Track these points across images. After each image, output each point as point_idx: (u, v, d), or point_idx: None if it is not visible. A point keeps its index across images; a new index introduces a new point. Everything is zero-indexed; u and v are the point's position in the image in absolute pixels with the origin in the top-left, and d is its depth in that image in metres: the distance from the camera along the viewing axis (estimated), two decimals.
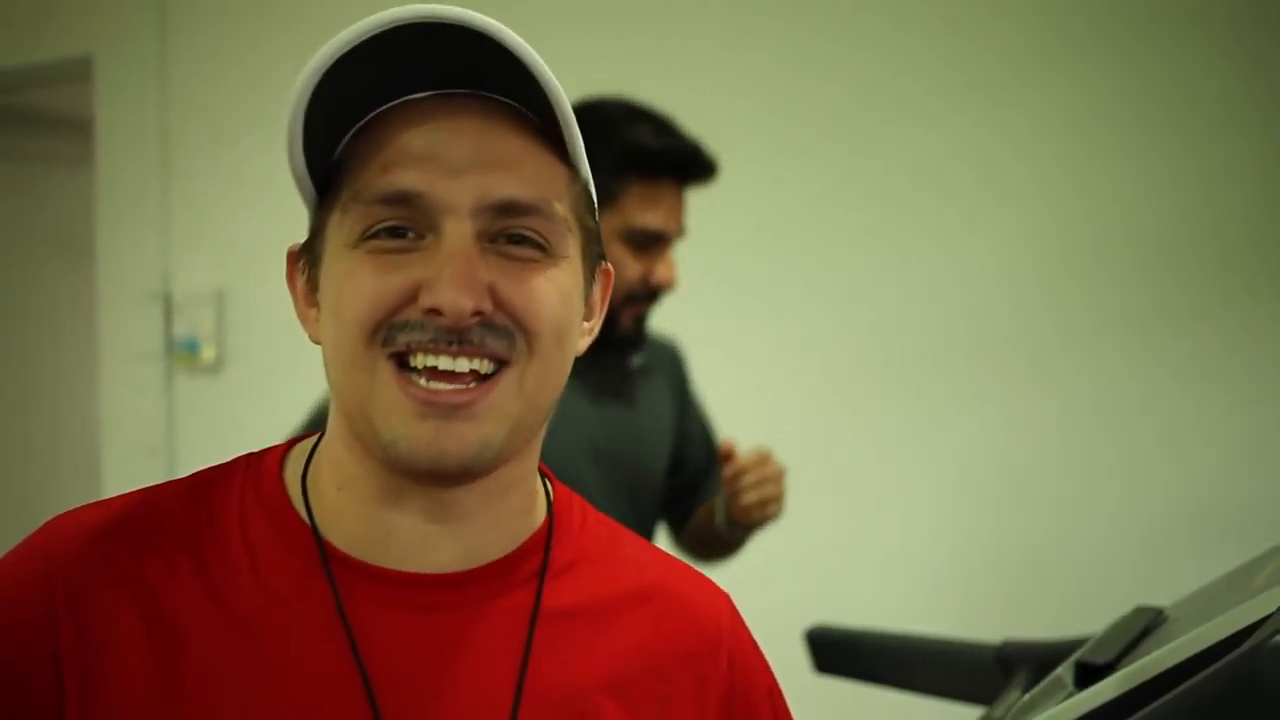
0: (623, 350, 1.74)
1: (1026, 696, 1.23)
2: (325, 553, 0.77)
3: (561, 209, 0.77)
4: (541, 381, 0.77)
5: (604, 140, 1.61)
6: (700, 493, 1.92)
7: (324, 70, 0.74)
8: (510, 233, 0.75)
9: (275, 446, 0.85)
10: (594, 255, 0.83)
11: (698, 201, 2.72)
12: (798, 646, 1.88)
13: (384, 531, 0.78)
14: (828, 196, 2.61)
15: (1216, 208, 2.29)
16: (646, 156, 1.65)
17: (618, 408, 1.73)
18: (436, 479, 0.76)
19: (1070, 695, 1.12)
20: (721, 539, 1.80)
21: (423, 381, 0.74)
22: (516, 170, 0.75)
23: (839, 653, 1.76)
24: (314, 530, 0.78)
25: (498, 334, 0.74)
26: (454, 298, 0.71)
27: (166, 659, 0.73)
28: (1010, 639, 1.67)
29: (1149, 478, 2.34)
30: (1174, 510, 2.31)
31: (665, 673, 0.83)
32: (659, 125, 1.69)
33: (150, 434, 3.56)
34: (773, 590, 2.64)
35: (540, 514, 0.86)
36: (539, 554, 0.83)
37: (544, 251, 0.76)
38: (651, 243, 1.67)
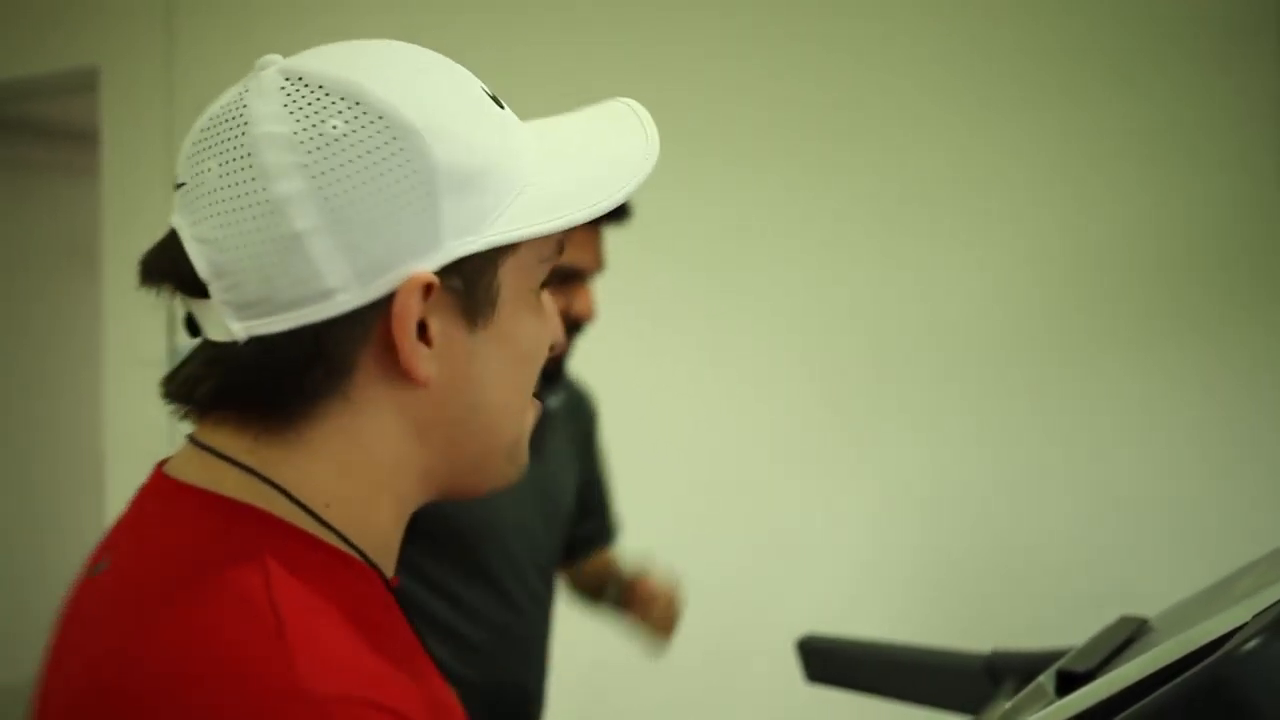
0: (545, 382, 1.78)
1: (1009, 704, 1.24)
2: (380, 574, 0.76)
3: None
4: None
5: None
6: (598, 541, 2.03)
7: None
8: None
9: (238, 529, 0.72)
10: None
11: (690, 207, 2.75)
12: (787, 655, 1.90)
13: (394, 549, 0.79)
14: (818, 203, 2.62)
15: (1208, 220, 2.30)
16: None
17: (535, 461, 1.78)
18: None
19: (1051, 703, 1.14)
20: (603, 605, 1.96)
21: None
22: None
23: (830, 662, 1.78)
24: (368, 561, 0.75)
25: None
26: None
27: None
28: (999, 649, 1.68)
29: (1135, 489, 2.35)
30: (1161, 520, 2.32)
31: None
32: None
33: (154, 440, 3.58)
34: (741, 602, 2.66)
35: None
36: None
37: None
38: (570, 279, 1.71)
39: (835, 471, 2.61)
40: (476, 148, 0.71)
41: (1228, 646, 0.94)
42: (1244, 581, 1.24)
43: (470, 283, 0.72)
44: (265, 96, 0.69)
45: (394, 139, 0.68)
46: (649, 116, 0.82)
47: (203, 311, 0.71)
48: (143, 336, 3.61)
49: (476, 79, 0.76)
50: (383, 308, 0.69)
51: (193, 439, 0.74)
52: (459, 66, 0.76)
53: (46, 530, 5.42)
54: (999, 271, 2.46)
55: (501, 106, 0.76)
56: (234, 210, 0.68)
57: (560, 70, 2.90)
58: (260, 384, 0.70)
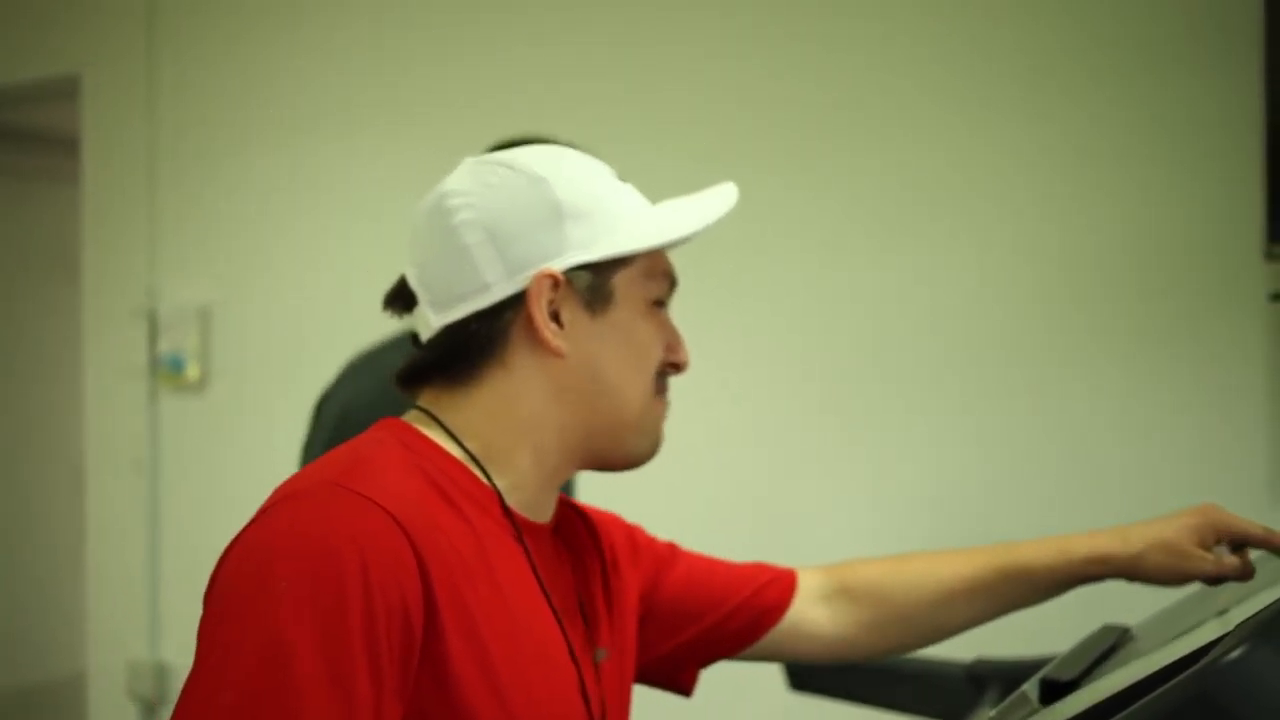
0: None
1: (993, 712, 1.24)
2: (507, 511, 1.04)
3: None
4: None
5: None
6: None
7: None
8: None
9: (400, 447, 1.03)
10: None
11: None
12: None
13: (546, 499, 1.08)
14: (816, 204, 2.63)
15: (1198, 222, 2.31)
16: None
17: None
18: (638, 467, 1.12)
19: (1034, 712, 1.14)
20: None
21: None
22: None
23: (812, 669, 1.78)
24: (500, 497, 1.04)
25: None
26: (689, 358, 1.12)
27: (468, 596, 0.96)
28: (982, 656, 1.69)
29: (1116, 496, 2.35)
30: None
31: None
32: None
33: (135, 450, 3.57)
34: None
35: None
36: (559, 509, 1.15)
37: None
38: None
39: (832, 472, 2.61)
40: (590, 194, 1.04)
41: (1210, 656, 0.94)
42: (1225, 591, 1.25)
43: (589, 283, 1.03)
44: (456, 171, 1.06)
45: (529, 183, 1.02)
46: (734, 189, 1.14)
47: (416, 319, 1.05)
48: (123, 342, 3.59)
49: (607, 166, 1.09)
50: (524, 297, 1.01)
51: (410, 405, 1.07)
52: (594, 158, 1.09)
53: (25, 536, 5.40)
54: (997, 272, 2.46)
55: (625, 183, 1.09)
56: (430, 239, 1.03)
57: (559, 71, 2.90)
58: (446, 356, 1.03)
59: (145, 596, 3.53)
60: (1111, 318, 2.37)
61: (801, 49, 2.65)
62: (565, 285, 1.02)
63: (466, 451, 1.03)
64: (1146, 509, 2.32)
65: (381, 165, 3.12)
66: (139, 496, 3.55)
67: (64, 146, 4.35)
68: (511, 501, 1.04)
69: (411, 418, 1.05)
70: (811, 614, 1.31)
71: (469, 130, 3.08)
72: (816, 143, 2.63)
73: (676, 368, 1.11)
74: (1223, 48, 2.27)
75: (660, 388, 1.10)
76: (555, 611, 1.04)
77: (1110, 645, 1.29)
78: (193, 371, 3.46)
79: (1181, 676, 0.94)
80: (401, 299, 1.06)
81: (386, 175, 3.10)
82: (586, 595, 1.14)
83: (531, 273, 1.01)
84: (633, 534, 1.28)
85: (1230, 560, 1.23)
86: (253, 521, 0.93)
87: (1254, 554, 1.50)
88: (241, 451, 3.35)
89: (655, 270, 1.08)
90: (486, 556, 0.99)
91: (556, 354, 1.02)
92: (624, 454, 1.10)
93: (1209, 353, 2.29)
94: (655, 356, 1.09)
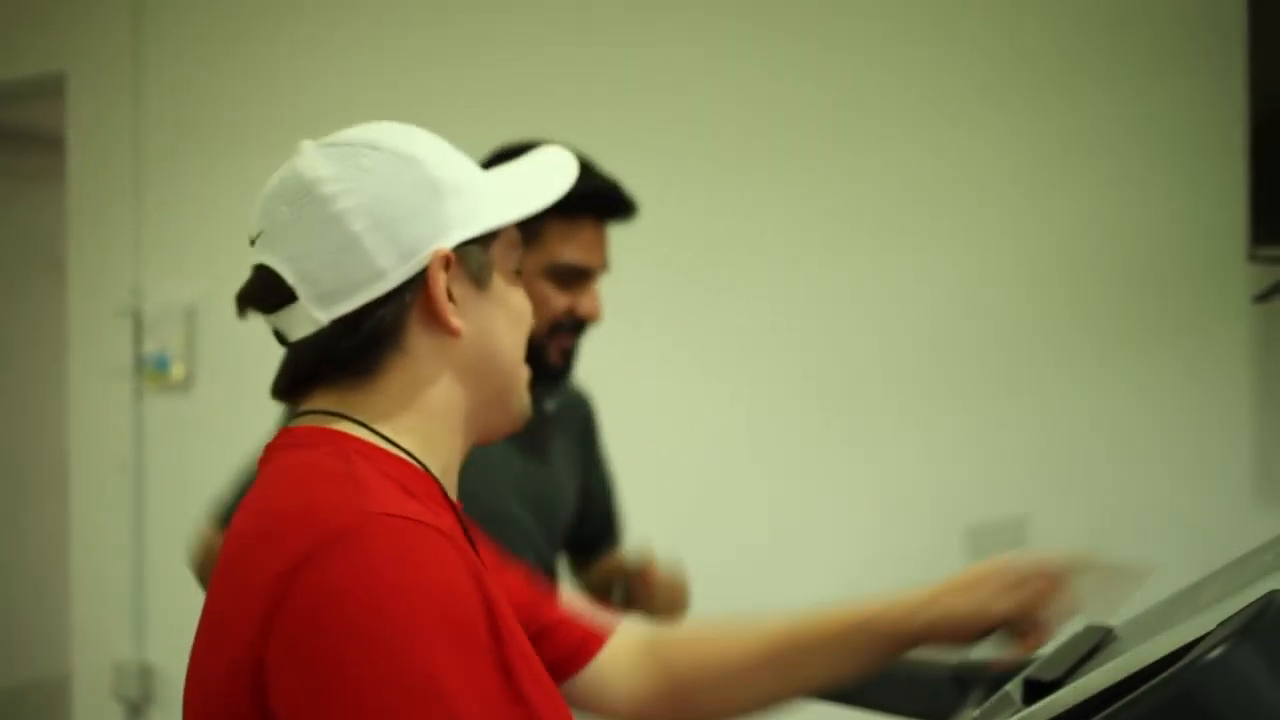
0: (550, 381, 1.80)
1: (977, 712, 1.24)
2: (449, 500, 1.03)
3: None
4: None
5: None
6: (604, 542, 2.04)
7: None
8: None
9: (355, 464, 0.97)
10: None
11: (685, 209, 2.76)
12: None
13: (453, 477, 1.06)
14: (812, 205, 2.63)
15: (1179, 228, 2.32)
16: (564, 196, 1.71)
17: (536, 463, 1.82)
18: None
19: (1017, 712, 1.14)
20: (612, 604, 1.93)
21: None
22: None
23: None
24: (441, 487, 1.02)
25: None
26: None
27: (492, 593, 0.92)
28: (967, 658, 1.68)
29: (1100, 497, 2.36)
30: (1128, 528, 2.33)
31: None
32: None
33: (119, 450, 3.56)
34: (726, 606, 2.66)
35: None
36: None
37: None
38: (575, 277, 1.75)
39: (830, 473, 2.61)
40: (458, 169, 1.03)
41: (1192, 655, 0.95)
42: (1209, 590, 1.25)
43: (474, 258, 1.02)
44: (306, 157, 1.01)
45: (403, 164, 0.99)
46: (565, 155, 1.15)
47: (288, 318, 0.99)
48: (108, 342, 3.58)
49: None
50: (420, 280, 0.99)
51: (295, 413, 1.03)
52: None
53: (10, 536, 5.37)
54: (990, 273, 2.47)
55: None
56: (306, 229, 0.98)
57: (558, 72, 2.90)
58: (343, 353, 0.99)
59: (130, 597, 3.52)
60: (1098, 319, 2.38)
61: (798, 50, 2.66)
62: (455, 263, 1.00)
63: (400, 448, 1.00)
64: (1133, 509, 2.33)
65: None
66: (124, 496, 3.54)
67: (49, 145, 4.34)
68: (446, 489, 1.03)
69: (320, 421, 1.00)
70: (615, 673, 1.25)
71: (463, 131, 3.08)
72: (813, 143, 2.63)
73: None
74: (1207, 50, 2.28)
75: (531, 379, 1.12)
76: None
77: (1094, 645, 1.29)
78: (178, 371, 3.45)
79: (1164, 675, 0.95)
80: (267, 297, 0.99)
81: None
82: None
83: (425, 254, 0.99)
84: None
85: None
86: (308, 571, 0.84)
87: (1237, 550, 1.50)
88: (226, 452, 3.32)
89: (512, 241, 1.08)
90: None
91: (454, 333, 1.01)
92: (509, 423, 1.10)
93: (1194, 354, 2.30)
94: (528, 325, 1.10)
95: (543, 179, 1.11)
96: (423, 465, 1.00)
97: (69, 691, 3.76)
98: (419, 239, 0.98)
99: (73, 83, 3.66)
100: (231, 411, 3.37)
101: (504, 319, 1.06)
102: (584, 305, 1.76)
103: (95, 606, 3.65)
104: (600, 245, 1.79)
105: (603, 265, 1.80)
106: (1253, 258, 2.10)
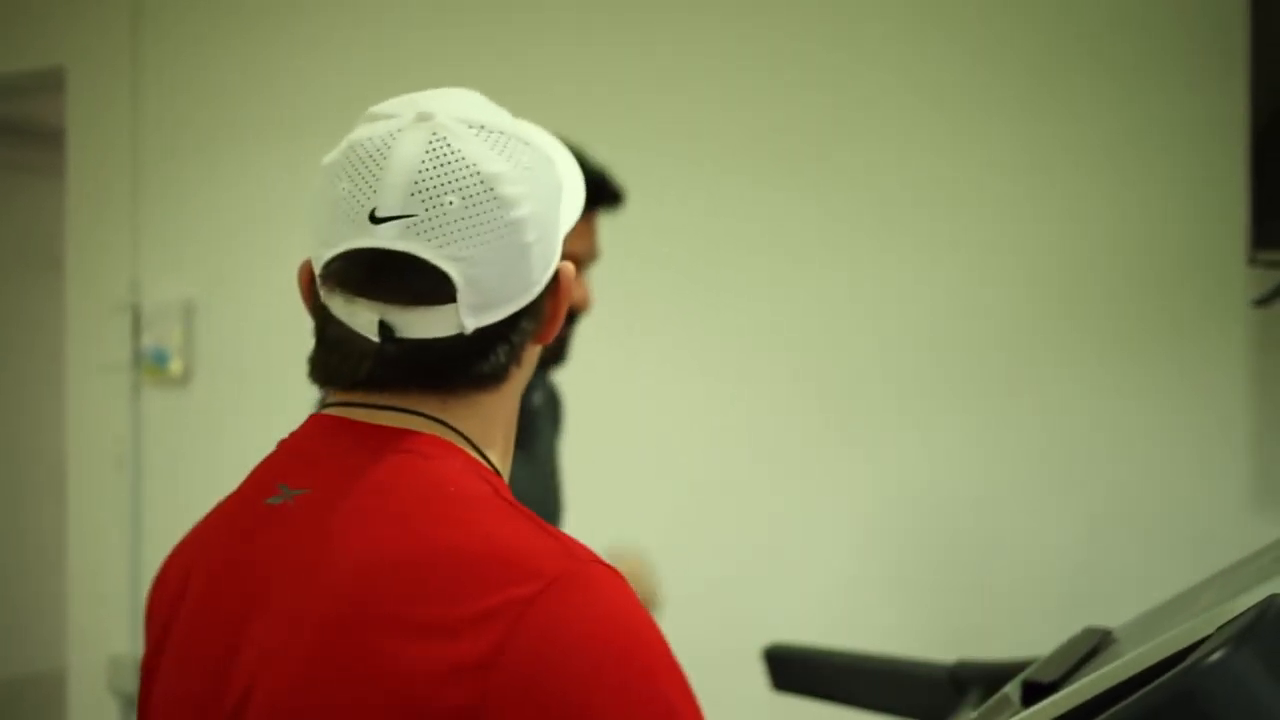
0: (544, 367, 1.79)
1: (975, 714, 1.25)
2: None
3: None
4: None
5: None
6: None
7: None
8: None
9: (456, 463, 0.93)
10: None
11: (681, 210, 2.76)
12: (755, 664, 1.90)
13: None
14: (810, 206, 2.63)
15: (1179, 232, 2.32)
16: None
17: (526, 458, 1.82)
18: None
19: (1016, 713, 1.14)
20: None
21: None
22: None
23: (796, 670, 1.78)
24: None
25: None
26: None
27: None
28: (964, 659, 1.69)
29: (1099, 500, 2.36)
30: (1126, 531, 2.33)
31: None
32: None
33: (117, 445, 3.56)
34: (728, 608, 2.66)
35: None
36: None
37: None
38: None
39: (829, 473, 2.61)
40: (565, 165, 0.99)
41: (1192, 659, 0.95)
42: (1207, 594, 1.25)
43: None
44: (468, 141, 0.88)
45: (548, 165, 0.94)
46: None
47: (427, 316, 0.88)
48: (106, 337, 3.58)
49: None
50: (548, 291, 0.94)
51: (364, 404, 0.92)
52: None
53: (6, 530, 5.37)
54: (989, 275, 2.47)
55: None
56: (485, 232, 0.87)
57: (558, 72, 2.90)
58: (479, 364, 0.92)
59: (127, 592, 3.52)
60: (1098, 321, 2.38)
61: (799, 51, 2.65)
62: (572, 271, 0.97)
63: (493, 467, 0.95)
64: (1131, 511, 2.34)
65: None
66: (121, 491, 3.54)
67: (48, 139, 4.33)
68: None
69: (428, 428, 0.92)
70: None
71: None
72: (813, 145, 2.63)
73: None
74: (1209, 55, 2.28)
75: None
76: None
77: (1092, 647, 1.30)
78: (176, 366, 3.45)
79: (1163, 678, 0.95)
80: (419, 293, 0.87)
81: None
82: None
83: (555, 264, 0.94)
84: None
85: None
86: (535, 616, 0.80)
87: (1234, 554, 1.50)
88: (224, 447, 3.33)
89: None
90: None
91: (549, 341, 0.97)
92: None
93: (1193, 357, 2.30)
94: None
95: (576, 175, 1.07)
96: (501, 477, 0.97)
97: (65, 686, 3.76)
98: (556, 249, 0.94)
99: (72, 77, 3.65)
100: (229, 407, 3.38)
101: (549, 323, 0.99)
102: (576, 294, 1.75)
103: (92, 601, 3.65)
104: (591, 234, 1.77)
105: (593, 254, 1.78)
106: (1252, 262, 2.10)
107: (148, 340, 3.49)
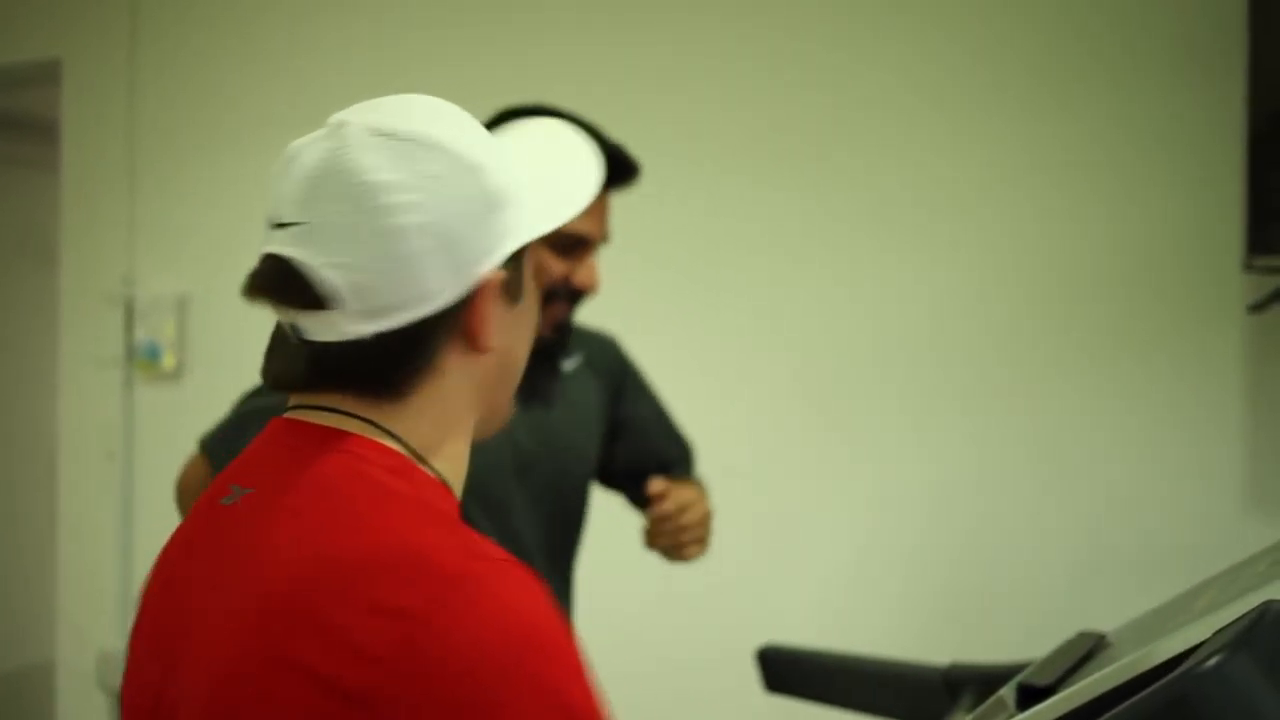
0: (546, 352, 1.74)
1: (970, 717, 1.25)
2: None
3: None
4: None
5: None
6: (669, 473, 1.93)
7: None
8: None
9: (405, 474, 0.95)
10: None
11: (682, 210, 2.76)
12: (750, 665, 1.90)
13: (463, 474, 1.02)
14: (810, 207, 2.63)
15: (1175, 237, 2.32)
16: None
17: (536, 408, 1.75)
18: None
19: (1011, 716, 1.14)
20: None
21: None
22: None
23: (790, 672, 1.78)
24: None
25: None
26: None
27: None
28: (957, 662, 1.69)
29: (1095, 503, 2.36)
30: (1120, 534, 2.34)
31: None
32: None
33: (109, 439, 3.55)
34: (725, 609, 2.66)
35: None
36: None
37: None
38: (575, 246, 1.68)
39: (828, 475, 2.61)
40: (506, 173, 0.95)
41: (1188, 663, 0.95)
42: (1202, 599, 1.25)
43: (513, 274, 0.96)
44: (362, 150, 0.89)
45: (468, 173, 0.91)
46: (582, 136, 1.10)
47: (318, 320, 0.90)
48: (99, 330, 3.57)
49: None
50: (466, 300, 0.93)
51: (310, 405, 0.95)
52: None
53: None
54: (989, 277, 2.47)
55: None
56: (363, 239, 0.88)
57: (557, 72, 2.89)
58: (378, 369, 0.93)
59: (117, 588, 3.51)
60: (1094, 325, 2.38)
61: (800, 51, 2.66)
62: (499, 283, 0.95)
63: (433, 469, 0.97)
64: (1125, 515, 2.34)
65: None
66: (112, 485, 3.53)
67: (43, 132, 4.32)
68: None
69: (358, 428, 0.94)
70: None
71: None
72: (813, 145, 2.63)
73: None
74: (1206, 60, 2.28)
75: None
76: None
77: (1086, 651, 1.30)
78: (169, 361, 3.44)
79: (1159, 683, 0.95)
80: (298, 297, 0.90)
81: None
82: None
83: (476, 275, 0.92)
84: None
85: None
86: (439, 617, 0.82)
87: (1228, 558, 1.50)
88: None
89: (538, 245, 1.02)
90: None
91: (485, 351, 0.96)
92: (499, 426, 1.05)
93: (1188, 362, 2.31)
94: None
95: (575, 173, 1.07)
96: (443, 479, 0.97)
97: (54, 679, 3.75)
98: (473, 258, 0.92)
99: (68, 69, 3.64)
100: (222, 401, 3.34)
101: (525, 329, 1.02)
102: (581, 275, 1.70)
103: (82, 595, 3.64)
104: (602, 214, 1.72)
105: (603, 235, 1.73)
106: (1248, 268, 2.10)
107: (141, 334, 3.48)
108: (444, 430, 0.97)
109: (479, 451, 1.04)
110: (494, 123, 1.72)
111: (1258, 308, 2.15)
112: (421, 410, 0.95)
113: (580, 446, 1.84)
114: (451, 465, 0.98)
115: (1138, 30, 2.36)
